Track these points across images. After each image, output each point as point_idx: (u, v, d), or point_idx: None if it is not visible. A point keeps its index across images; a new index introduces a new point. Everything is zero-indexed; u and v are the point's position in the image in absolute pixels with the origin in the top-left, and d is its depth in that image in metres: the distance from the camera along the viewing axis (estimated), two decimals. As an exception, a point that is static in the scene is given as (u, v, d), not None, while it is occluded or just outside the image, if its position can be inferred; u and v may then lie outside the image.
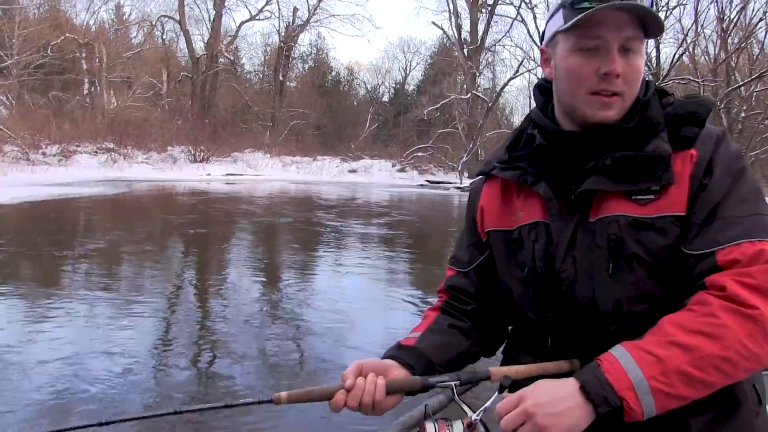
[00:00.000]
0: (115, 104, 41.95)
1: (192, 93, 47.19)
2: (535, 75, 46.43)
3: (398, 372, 1.28)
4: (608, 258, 1.22)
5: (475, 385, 1.29)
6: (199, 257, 11.60)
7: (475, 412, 1.17)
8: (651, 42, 44.58)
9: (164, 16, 47.71)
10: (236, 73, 52.39)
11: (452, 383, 1.24)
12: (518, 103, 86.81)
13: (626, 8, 1.20)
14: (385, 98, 63.67)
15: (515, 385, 1.21)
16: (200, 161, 37.85)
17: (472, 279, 1.47)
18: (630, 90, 1.25)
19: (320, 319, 6.89)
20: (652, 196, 1.21)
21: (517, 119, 63.96)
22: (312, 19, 52.46)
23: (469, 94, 40.31)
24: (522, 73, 42.49)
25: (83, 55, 42.07)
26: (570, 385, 1.12)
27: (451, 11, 44.86)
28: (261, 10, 50.46)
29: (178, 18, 46.39)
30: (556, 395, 1.11)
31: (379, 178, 41.35)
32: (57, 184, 23.67)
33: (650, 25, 1.24)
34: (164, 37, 51.41)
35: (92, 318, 6.57)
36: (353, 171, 43.94)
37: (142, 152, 36.02)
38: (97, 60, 42.51)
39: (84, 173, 29.14)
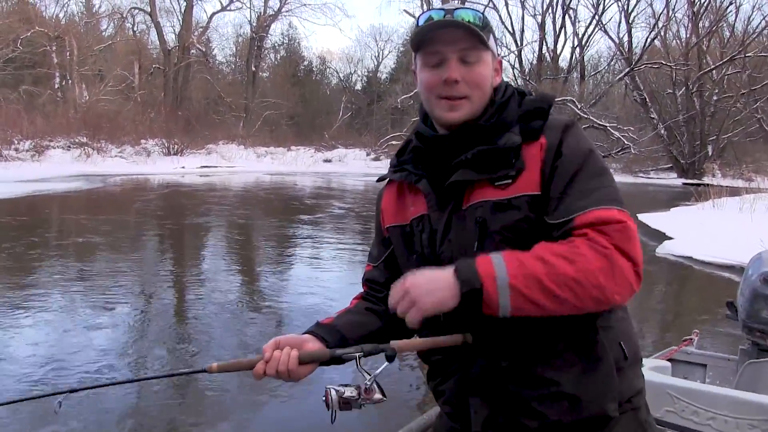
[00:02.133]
0: (87, 98, 41.54)
1: (164, 85, 46.98)
2: (508, 61, 46.92)
3: (313, 345, 1.47)
4: (476, 237, 1.42)
5: (377, 354, 1.44)
6: (174, 251, 11.83)
7: (371, 379, 1.39)
8: (623, 27, 45.28)
9: (135, 8, 47.39)
10: (208, 64, 52.04)
11: (356, 354, 1.42)
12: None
13: (450, 25, 1.43)
14: (358, 87, 63.77)
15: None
16: (174, 154, 37.79)
17: (382, 271, 1.69)
18: (477, 93, 1.47)
19: (296, 308, 7.29)
20: (509, 181, 1.42)
21: (490, 106, 64.17)
22: (283, 9, 52.54)
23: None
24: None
25: (54, 48, 41.60)
26: (447, 270, 1.33)
27: (423, -1, 45.19)
28: (232, 1, 50.32)
29: (149, 10, 46.16)
30: (432, 277, 1.34)
31: (353, 167, 41.62)
32: (31, 180, 23.62)
33: (480, 36, 1.44)
34: (135, 29, 51.14)
35: (68, 313, 6.75)
36: (328, 161, 44.16)
37: (115, 146, 35.82)
38: (68, 53, 42.07)
39: (58, 168, 29.01)
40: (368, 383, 1.37)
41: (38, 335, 5.99)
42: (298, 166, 40.58)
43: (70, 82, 42.86)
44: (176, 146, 38.39)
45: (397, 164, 1.62)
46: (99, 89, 42.34)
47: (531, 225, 1.40)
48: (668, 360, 3.54)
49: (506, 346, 1.39)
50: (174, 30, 49.17)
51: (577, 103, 38.90)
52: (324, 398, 1.39)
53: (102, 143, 35.20)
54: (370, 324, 1.60)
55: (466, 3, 44.21)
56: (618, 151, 38.92)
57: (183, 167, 34.43)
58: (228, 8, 50.82)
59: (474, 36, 1.44)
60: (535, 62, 49.15)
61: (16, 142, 31.78)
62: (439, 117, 1.51)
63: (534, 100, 1.51)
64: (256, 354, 1.48)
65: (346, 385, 1.41)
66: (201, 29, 50.48)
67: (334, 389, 1.40)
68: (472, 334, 1.43)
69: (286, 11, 53.14)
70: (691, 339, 3.90)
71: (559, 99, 37.74)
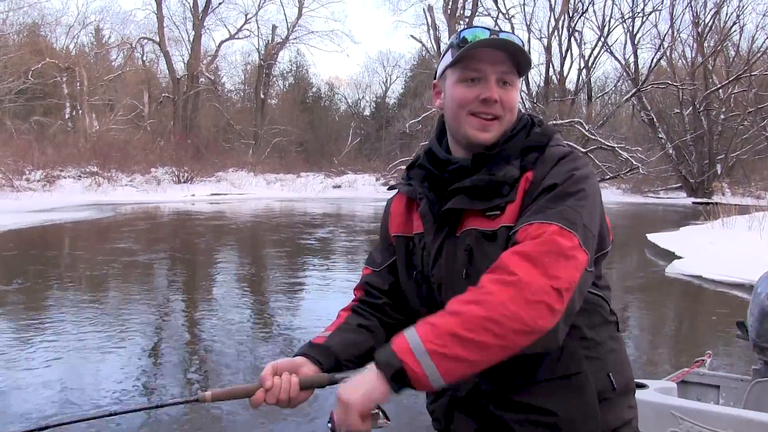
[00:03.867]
0: (98, 127, 41.93)
1: (174, 114, 47.34)
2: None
3: (308, 368, 1.45)
4: (464, 264, 1.45)
5: None
6: (185, 279, 11.82)
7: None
8: (629, 48, 45.50)
9: (144, 38, 48.00)
10: (217, 92, 52.54)
11: None
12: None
13: (500, 46, 1.45)
14: (367, 112, 64.12)
15: None
16: (184, 182, 37.96)
17: (384, 277, 1.68)
18: (508, 116, 1.50)
19: (306, 334, 7.19)
20: (498, 212, 1.43)
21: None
22: (291, 37, 52.90)
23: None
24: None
25: (64, 79, 42.10)
26: (371, 364, 1.31)
27: (429, 24, 45.68)
28: (240, 29, 50.84)
29: (157, 39, 46.64)
30: (359, 376, 1.31)
31: (363, 192, 41.66)
32: (42, 210, 23.70)
33: (521, 63, 1.49)
34: (144, 58, 51.74)
35: (79, 343, 6.71)
36: (337, 186, 44.25)
37: (125, 175, 36.03)
38: (78, 83, 42.57)
39: (68, 198, 29.18)
40: (373, 409, 1.33)
41: (49, 366, 5.94)
42: (308, 192, 40.66)
43: (80, 112, 43.32)
44: (186, 174, 38.59)
45: (407, 178, 1.65)
46: (109, 119, 42.80)
47: None
48: (682, 382, 3.51)
49: (488, 371, 1.34)
50: (183, 59, 49.74)
51: (584, 124, 38.91)
52: (329, 423, 1.36)
53: (112, 172, 35.40)
54: (363, 343, 1.57)
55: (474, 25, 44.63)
56: (627, 172, 38.76)
57: (193, 195, 34.58)
58: (236, 37, 51.38)
59: (516, 61, 1.48)
60: (542, 84, 49.33)
61: (27, 172, 31.96)
62: (469, 135, 1.51)
63: (536, 134, 1.52)
64: (255, 380, 1.45)
65: None
66: (209, 58, 51.00)
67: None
68: None
69: (294, 39, 53.62)
70: (704, 360, 3.87)
71: (567, 121, 37.86)
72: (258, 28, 51.99)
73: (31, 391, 5.27)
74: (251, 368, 6.09)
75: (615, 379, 1.46)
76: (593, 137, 38.01)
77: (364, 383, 1.28)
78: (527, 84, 47.79)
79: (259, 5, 50.29)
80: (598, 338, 1.47)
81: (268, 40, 52.63)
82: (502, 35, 1.47)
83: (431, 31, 45.84)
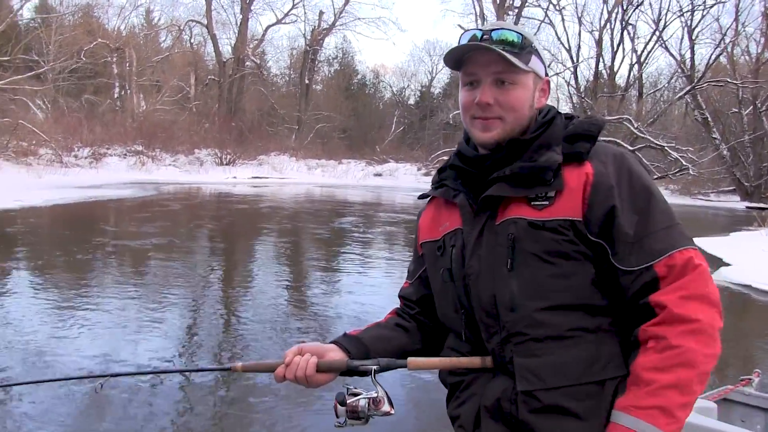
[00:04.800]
0: (144, 107, 42.64)
1: (219, 96, 47.74)
2: (563, 78, 46.28)
3: (335, 355, 1.51)
4: (507, 255, 1.40)
5: (393, 369, 1.49)
6: (224, 257, 11.86)
7: (382, 392, 1.42)
8: (686, 43, 44.08)
9: (192, 21, 48.36)
10: (262, 76, 52.79)
11: (372, 367, 1.47)
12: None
13: (482, 48, 1.43)
14: (411, 101, 63.81)
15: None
16: (226, 164, 38.31)
17: (416, 288, 1.69)
18: (511, 114, 1.46)
19: (339, 318, 7.24)
20: (546, 203, 1.39)
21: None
22: (338, 23, 52.83)
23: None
24: (550, 77, 42.00)
25: (114, 59, 42.70)
26: None
27: (478, 14, 44.97)
28: (287, 14, 50.94)
29: (205, 22, 47.02)
30: None
31: (404, 181, 41.49)
32: (88, 186, 24.23)
33: (521, 57, 1.45)
34: (192, 41, 52.09)
35: (120, 314, 6.88)
36: (378, 174, 44.15)
37: (169, 155, 36.57)
38: (127, 64, 43.18)
39: (113, 175, 29.75)
40: (379, 394, 1.40)
41: (92, 334, 6.09)
42: (349, 179, 40.67)
43: (128, 92, 43.93)
44: (228, 156, 38.92)
45: (438, 181, 1.63)
46: (156, 99, 43.39)
47: (571, 251, 1.37)
48: (723, 400, 3.24)
49: (524, 373, 1.36)
50: (230, 42, 50.07)
51: (633, 121, 37.84)
52: (336, 402, 1.43)
53: (157, 152, 35.95)
54: (395, 339, 1.61)
55: (522, 18, 43.97)
56: (676, 172, 37.67)
57: (234, 177, 34.88)
58: (283, 21, 51.46)
59: (507, 60, 1.43)
60: (591, 79, 48.28)
61: (76, 149, 32.65)
62: (473, 137, 1.52)
63: (582, 122, 1.49)
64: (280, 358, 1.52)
65: (357, 395, 1.42)
66: (256, 42, 51.26)
67: (347, 393, 1.42)
68: (492, 358, 1.44)
69: (340, 25, 53.54)
70: (751, 379, 3.56)
71: (615, 118, 36.89)
72: (305, 13, 52.17)
73: (73, 354, 5.47)
74: (280, 343, 6.18)
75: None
76: (642, 135, 36.99)
77: None
78: (576, 78, 46.88)
79: (307, -10, 50.21)
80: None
81: (315, 26, 52.70)
82: (496, 33, 1.46)
83: (479, 21, 45.06)
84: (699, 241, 15.88)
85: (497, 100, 1.45)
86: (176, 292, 8.20)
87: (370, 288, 9.28)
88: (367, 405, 1.40)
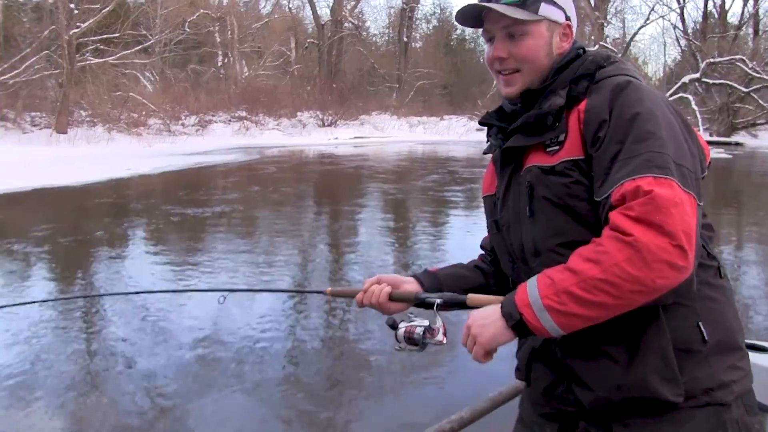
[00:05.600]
0: (247, 74, 43.48)
1: (319, 59, 48.05)
2: (668, 21, 43.35)
3: (410, 287, 1.64)
4: (526, 202, 1.45)
5: (454, 305, 1.53)
6: (330, 215, 11.91)
7: (439, 322, 1.50)
8: None
9: (290, -15, 48.64)
10: (361, 37, 52.66)
11: (436, 300, 1.53)
12: (651, 52, 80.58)
13: (483, 8, 1.49)
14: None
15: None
16: (328, 125, 38.56)
17: (489, 239, 1.74)
18: (527, 65, 1.50)
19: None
20: (557, 147, 1.41)
21: (651, 69, 60.04)
22: (435, -23, 51.70)
23: (596, 46, 38.19)
24: (654, 20, 39.58)
25: (216, 28, 43.69)
26: (496, 306, 1.37)
27: (577, -44, 42.61)
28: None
29: (303, -14, 47.19)
30: (486, 314, 1.38)
31: (507, 134, 40.37)
32: (194, 153, 24.94)
33: (531, 9, 1.47)
34: (290, 6, 52.49)
35: (233, 272, 7.02)
36: (480, 129, 43.14)
37: (272, 119, 37.19)
38: (229, 32, 44.05)
39: (219, 141, 30.51)
40: (436, 325, 1.49)
41: (203, 295, 6.16)
42: (450, 135, 40.01)
43: (231, 59, 44.85)
44: (330, 118, 39.14)
45: (487, 138, 1.69)
46: (258, 65, 44.09)
47: (583, 191, 1.37)
48: None
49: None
50: (327, 5, 50.14)
51: (747, 62, 34.89)
52: (393, 328, 1.53)
53: (260, 116, 36.61)
54: (471, 279, 1.71)
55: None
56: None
57: (336, 138, 35.03)
58: (380, -21, 50.88)
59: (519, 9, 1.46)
60: (700, 20, 44.86)
61: (183, 117, 33.73)
62: (501, 91, 1.56)
63: (585, 61, 1.49)
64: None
65: (416, 324, 1.51)
66: (353, 3, 51.03)
67: (406, 322, 1.53)
68: None
69: (438, -21, 52.30)
70: None
71: (727, 58, 34.16)
72: (401, -30, 51.16)
73: (187, 313, 5.70)
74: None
75: (707, 331, 1.35)
76: (758, 75, 34.08)
77: (493, 325, 1.36)
78: (683, 20, 43.72)
79: (403, -54, 49.37)
80: None
81: (412, -18, 51.79)
82: None
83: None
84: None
85: (510, 53, 1.50)
86: (284, 250, 8.38)
87: (475, 241, 8.99)
88: (422, 332, 1.49)
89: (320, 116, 38.99)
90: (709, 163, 1.47)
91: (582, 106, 1.39)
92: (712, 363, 1.34)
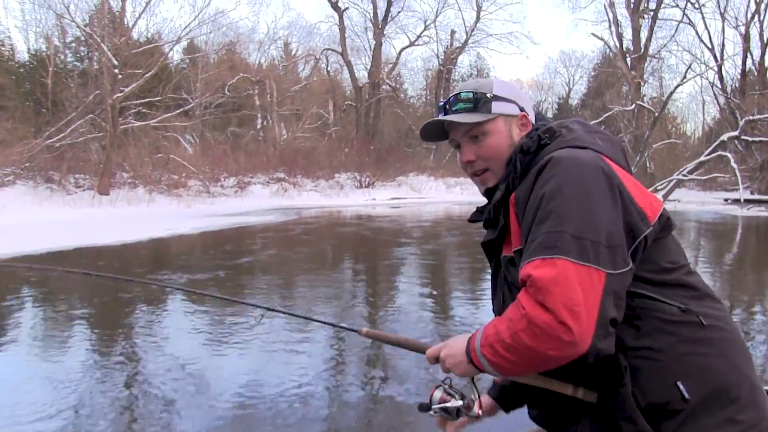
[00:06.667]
0: (286, 136, 43.95)
1: (357, 121, 48.49)
2: (706, 79, 42.92)
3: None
4: (504, 284, 1.59)
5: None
6: (367, 275, 11.61)
7: (476, 395, 1.61)
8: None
9: (328, 49, 49.55)
10: (399, 98, 53.16)
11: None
12: (690, 111, 79.52)
13: (436, 122, 1.69)
14: (549, 114, 61.83)
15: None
16: (366, 186, 38.55)
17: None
18: (494, 161, 1.62)
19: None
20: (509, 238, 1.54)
21: (690, 127, 59.32)
22: (470, 41, 52.45)
23: (633, 105, 37.87)
24: (691, 78, 38.90)
25: (256, 91, 44.46)
26: (464, 342, 1.47)
27: (611, 20, 42.72)
28: (419, 36, 51.21)
29: (340, 50, 48.05)
30: (457, 345, 1.49)
31: (545, 195, 39.90)
32: (233, 214, 24.98)
33: (479, 109, 1.62)
34: (329, 69, 53.39)
35: (271, 332, 6.91)
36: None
37: (310, 180, 37.32)
38: (268, 95, 44.82)
39: (257, 203, 30.61)
40: (471, 398, 1.59)
41: (243, 355, 6.12)
42: (488, 195, 39.65)
43: (270, 121, 45.49)
44: (368, 179, 39.15)
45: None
46: (296, 127, 44.60)
47: None
48: None
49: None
50: (365, 67, 50.86)
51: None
52: (425, 408, 1.61)
53: (298, 178, 36.76)
54: None
55: (658, 20, 41.25)
56: None
57: (374, 199, 34.93)
58: (416, 43, 51.69)
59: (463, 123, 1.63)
60: (738, 77, 44.34)
61: (222, 179, 34.00)
62: (480, 191, 1.71)
63: (520, 147, 1.56)
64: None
65: (452, 395, 1.61)
66: (390, 65, 51.74)
67: (444, 390, 1.62)
68: None
69: (473, 43, 53.05)
70: None
71: (766, 115, 33.43)
72: (437, 33, 52.41)
73: (225, 372, 5.55)
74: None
75: (689, 388, 1.34)
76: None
77: (456, 353, 1.48)
78: (721, 78, 43.23)
79: (437, 11, 50.60)
80: (654, 345, 1.38)
81: (447, 46, 52.65)
82: (452, 101, 1.65)
83: (613, 28, 42.63)
84: None
85: (477, 154, 1.63)
86: (321, 307, 8.27)
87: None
88: (457, 410, 1.59)
89: (358, 177, 39.03)
90: (666, 217, 1.46)
91: (512, 198, 1.49)
92: (701, 419, 1.32)
